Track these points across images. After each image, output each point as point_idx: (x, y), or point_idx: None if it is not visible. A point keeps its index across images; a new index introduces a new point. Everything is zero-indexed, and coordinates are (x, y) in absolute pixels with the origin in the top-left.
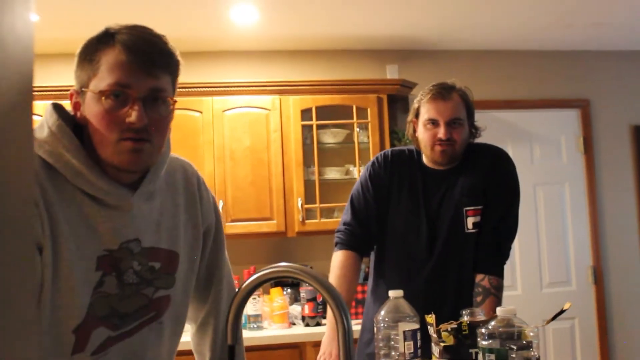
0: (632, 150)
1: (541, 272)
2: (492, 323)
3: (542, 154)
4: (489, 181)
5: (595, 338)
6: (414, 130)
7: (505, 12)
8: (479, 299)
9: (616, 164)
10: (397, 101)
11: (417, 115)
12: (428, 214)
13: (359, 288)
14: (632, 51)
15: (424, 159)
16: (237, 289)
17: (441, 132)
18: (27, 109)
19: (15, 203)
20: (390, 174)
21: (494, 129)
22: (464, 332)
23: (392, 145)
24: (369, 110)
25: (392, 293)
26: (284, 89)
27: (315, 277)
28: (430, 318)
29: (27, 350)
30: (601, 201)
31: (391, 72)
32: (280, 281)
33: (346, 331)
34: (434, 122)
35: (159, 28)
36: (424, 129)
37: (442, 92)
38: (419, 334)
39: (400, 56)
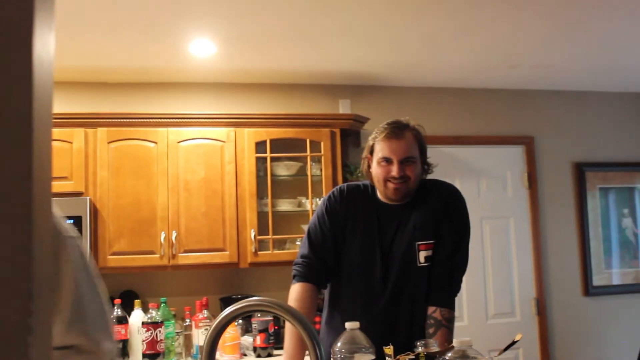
0: (573, 186)
1: (487, 304)
2: (449, 354)
3: (489, 189)
4: (441, 216)
5: None
6: (369, 166)
7: (455, 52)
8: (431, 330)
9: (559, 199)
10: (349, 135)
11: (371, 152)
12: (382, 248)
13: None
14: (574, 91)
15: (378, 194)
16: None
17: (394, 170)
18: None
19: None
20: (346, 208)
21: (442, 163)
22: None
23: (344, 178)
24: (322, 143)
25: (348, 325)
26: (239, 121)
27: (289, 310)
28: (389, 349)
29: None
30: (544, 235)
31: (344, 107)
32: None
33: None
34: (387, 160)
35: (118, 58)
36: (378, 166)
37: (396, 131)
38: None
39: (352, 91)
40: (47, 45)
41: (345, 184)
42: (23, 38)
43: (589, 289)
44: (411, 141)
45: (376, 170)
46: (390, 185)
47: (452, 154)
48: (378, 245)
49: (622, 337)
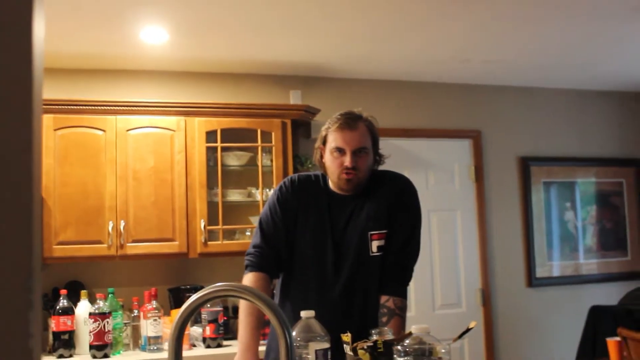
0: (518, 180)
1: (434, 294)
2: (408, 341)
3: (437, 181)
4: (393, 206)
5: (483, 358)
6: (321, 157)
7: (406, 45)
8: (384, 319)
9: (504, 192)
10: (300, 126)
11: (324, 142)
12: (334, 238)
13: None
14: (520, 87)
15: (330, 184)
16: (181, 309)
17: (347, 161)
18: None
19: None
20: (298, 198)
21: (392, 156)
22: (379, 350)
23: (294, 169)
24: (273, 134)
25: (304, 313)
26: (189, 110)
27: (258, 295)
28: (347, 337)
29: None
30: (490, 227)
31: (294, 98)
32: (181, 303)
33: (289, 346)
34: (340, 151)
35: (66, 44)
36: (331, 157)
37: (349, 121)
38: (329, 353)
39: (303, 82)
40: (41, 31)
41: (296, 174)
42: (24, 24)
43: (532, 280)
44: (364, 132)
45: (329, 160)
46: (343, 175)
47: (401, 147)
48: (330, 235)
49: (564, 327)
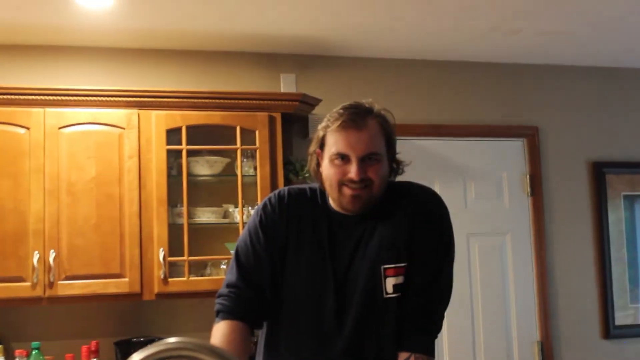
0: (590, 192)
1: (475, 349)
2: None
3: (478, 196)
4: (416, 231)
5: None
6: (318, 165)
7: (431, 13)
8: None
9: (570, 209)
10: (295, 122)
11: (321, 145)
12: (336, 274)
13: None
14: (592, 67)
15: (331, 202)
16: None
17: (353, 171)
18: None
19: None
20: (288, 220)
21: (415, 161)
22: None
23: (287, 180)
24: (257, 133)
25: None
26: (144, 100)
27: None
28: None
29: None
30: (551, 257)
31: (286, 84)
32: None
33: None
34: (343, 157)
35: None
36: (331, 165)
37: (355, 118)
38: None
39: (298, 63)
40: None
41: (286, 188)
42: None
43: (609, 330)
44: (375, 132)
45: (328, 170)
46: (347, 190)
47: (428, 149)
48: (330, 271)
49: None
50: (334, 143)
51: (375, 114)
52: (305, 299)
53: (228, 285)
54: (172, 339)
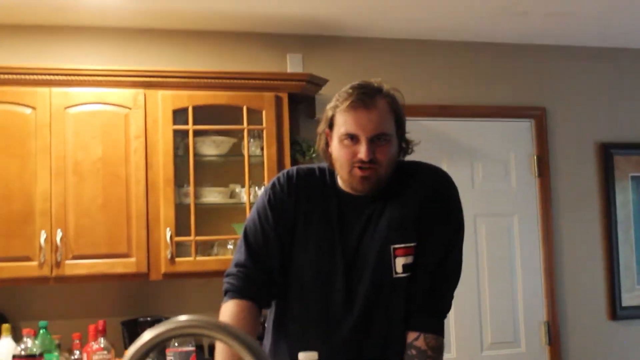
0: (597, 174)
1: (482, 330)
2: None
3: (486, 177)
4: (425, 211)
5: None
6: (327, 145)
7: None
8: None
9: (578, 190)
10: (301, 102)
11: (330, 125)
12: (345, 254)
13: None
14: (601, 48)
15: (340, 182)
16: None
17: (362, 152)
18: None
19: None
20: (296, 200)
21: (423, 142)
22: None
23: (293, 160)
24: (264, 113)
25: (303, 356)
26: (150, 80)
27: (234, 334)
28: None
29: None
30: (559, 238)
31: (293, 64)
32: None
33: None
34: (353, 138)
35: None
36: (340, 145)
37: (364, 98)
38: None
39: (304, 43)
40: None
41: (295, 168)
42: None
43: (616, 311)
44: (385, 112)
45: (338, 150)
46: (357, 171)
47: (436, 130)
48: (340, 251)
49: None
50: (343, 123)
51: (384, 94)
52: (314, 279)
53: (237, 265)
54: (183, 317)
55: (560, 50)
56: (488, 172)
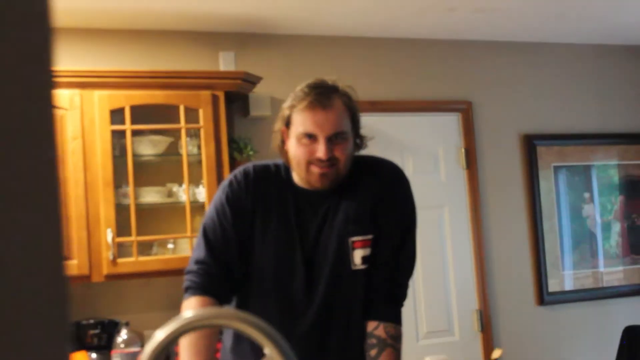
0: (522, 164)
1: (417, 320)
2: None
3: (416, 170)
4: (380, 204)
5: None
6: (283, 142)
7: None
8: (373, 352)
9: (504, 181)
10: (235, 101)
11: (287, 124)
12: (304, 248)
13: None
14: (523, 43)
15: (295, 178)
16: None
17: (320, 151)
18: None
19: None
20: (254, 196)
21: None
22: None
23: (231, 158)
24: (200, 111)
25: (268, 351)
26: (86, 81)
27: (254, 323)
28: None
29: None
30: (487, 228)
31: (226, 62)
32: (85, 343)
33: None
34: (310, 137)
35: None
36: (298, 144)
37: (321, 98)
38: None
39: (236, 41)
40: None
41: (251, 164)
42: None
43: (543, 297)
44: (341, 110)
45: (295, 149)
46: (315, 169)
47: (367, 124)
48: (298, 245)
49: (586, 355)
50: (301, 123)
51: (340, 93)
52: (274, 274)
53: (197, 262)
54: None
55: (485, 45)
56: (418, 165)
